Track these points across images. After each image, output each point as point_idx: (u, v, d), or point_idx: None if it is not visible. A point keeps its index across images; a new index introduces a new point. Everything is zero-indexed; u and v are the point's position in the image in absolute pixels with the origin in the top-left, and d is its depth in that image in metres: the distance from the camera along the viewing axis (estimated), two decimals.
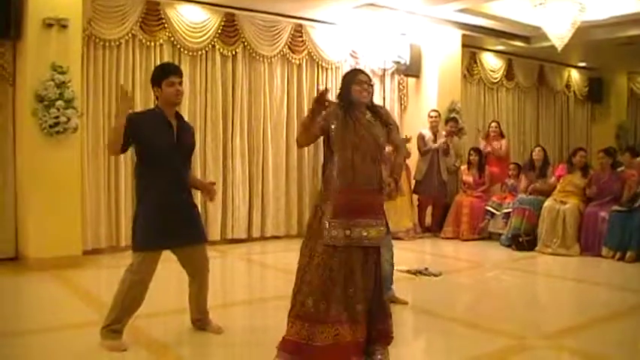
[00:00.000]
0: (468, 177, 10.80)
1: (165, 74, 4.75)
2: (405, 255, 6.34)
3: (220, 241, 9.41)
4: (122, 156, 8.63)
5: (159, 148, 4.69)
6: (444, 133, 10.79)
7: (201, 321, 5.12)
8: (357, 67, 10.84)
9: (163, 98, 4.75)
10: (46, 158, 7.47)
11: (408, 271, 7.49)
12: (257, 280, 8.20)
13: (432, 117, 10.75)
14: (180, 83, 4.79)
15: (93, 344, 4.69)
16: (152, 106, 8.76)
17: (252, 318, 5.83)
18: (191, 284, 5.08)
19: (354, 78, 4.55)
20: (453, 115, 11.21)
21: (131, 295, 4.70)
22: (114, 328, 4.70)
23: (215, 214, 9.50)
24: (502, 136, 11.46)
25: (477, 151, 10.95)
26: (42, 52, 7.43)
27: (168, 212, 4.69)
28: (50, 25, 7.43)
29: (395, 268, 6.20)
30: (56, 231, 7.52)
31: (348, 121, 4.41)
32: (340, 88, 4.62)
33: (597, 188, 9.39)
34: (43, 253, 7.44)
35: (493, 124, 11.54)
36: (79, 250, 7.87)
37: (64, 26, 7.50)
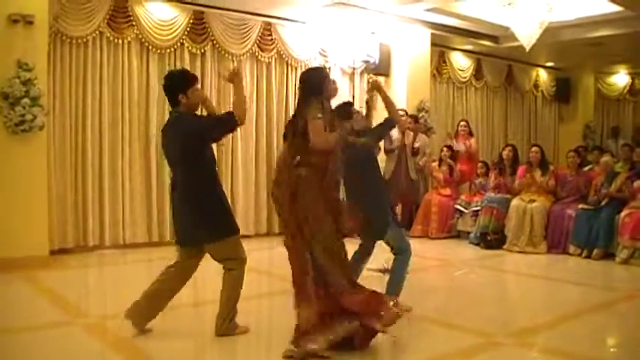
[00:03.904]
0: (438, 173, 10.83)
1: (190, 82, 4.92)
2: (373, 253, 6.32)
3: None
4: (89, 154, 8.59)
5: (207, 149, 4.96)
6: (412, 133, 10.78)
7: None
8: (327, 65, 10.91)
9: (189, 105, 4.90)
10: (12, 157, 7.36)
11: (377, 270, 7.47)
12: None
13: None
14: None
15: (59, 344, 4.63)
16: (119, 103, 8.83)
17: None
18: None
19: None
20: (414, 113, 11.19)
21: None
22: (233, 318, 5.00)
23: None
24: (471, 134, 11.51)
25: (450, 148, 10.98)
26: (7, 49, 7.32)
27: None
28: (16, 21, 7.32)
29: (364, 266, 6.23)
30: (22, 231, 7.42)
31: None
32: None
33: (562, 187, 9.52)
34: (9, 253, 7.30)
35: (462, 123, 11.59)
36: (45, 250, 7.76)
37: (30, 22, 7.39)
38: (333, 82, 4.87)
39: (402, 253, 5.83)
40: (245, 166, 10.11)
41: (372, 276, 6.41)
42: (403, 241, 5.90)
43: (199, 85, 5.00)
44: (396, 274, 5.81)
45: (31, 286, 6.82)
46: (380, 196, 5.70)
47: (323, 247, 4.63)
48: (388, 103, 5.80)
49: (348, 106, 6.22)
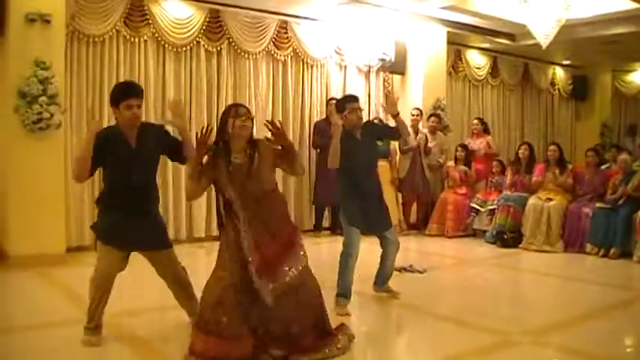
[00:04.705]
0: (454, 173, 10.79)
1: (123, 96, 4.64)
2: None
3: (205, 238, 9.36)
4: None
5: (114, 165, 4.70)
6: (425, 130, 10.79)
7: (192, 317, 5.07)
8: (343, 63, 10.92)
9: (121, 120, 4.70)
10: (29, 155, 7.41)
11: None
12: None
13: (412, 115, 10.65)
14: (139, 106, 4.68)
15: (75, 342, 4.65)
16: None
17: None
18: (169, 287, 5.04)
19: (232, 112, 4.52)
20: (437, 111, 11.21)
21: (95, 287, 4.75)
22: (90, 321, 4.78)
23: (199, 211, 9.46)
24: (486, 132, 11.41)
25: (464, 147, 10.95)
26: (24, 48, 7.37)
27: (125, 220, 4.71)
28: (33, 21, 7.36)
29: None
30: (39, 228, 7.47)
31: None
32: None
33: (579, 186, 9.48)
34: (26, 250, 7.37)
35: (474, 122, 11.54)
36: (62, 248, 7.82)
37: (47, 21, 7.44)
38: (236, 121, 4.44)
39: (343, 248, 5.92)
40: None
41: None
42: (346, 238, 5.91)
43: (134, 102, 4.62)
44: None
45: (48, 283, 6.88)
46: (342, 189, 5.94)
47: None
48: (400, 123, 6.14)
49: (342, 99, 6.32)
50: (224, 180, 4.41)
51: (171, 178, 9.21)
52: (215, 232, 9.34)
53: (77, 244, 8.43)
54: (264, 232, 4.42)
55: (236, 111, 4.49)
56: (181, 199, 9.10)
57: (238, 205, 4.39)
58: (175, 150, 4.90)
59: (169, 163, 8.38)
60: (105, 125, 5.91)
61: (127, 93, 4.67)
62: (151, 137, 4.83)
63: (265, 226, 4.43)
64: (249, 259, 4.28)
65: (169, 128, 5.13)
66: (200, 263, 7.81)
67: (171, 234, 7.43)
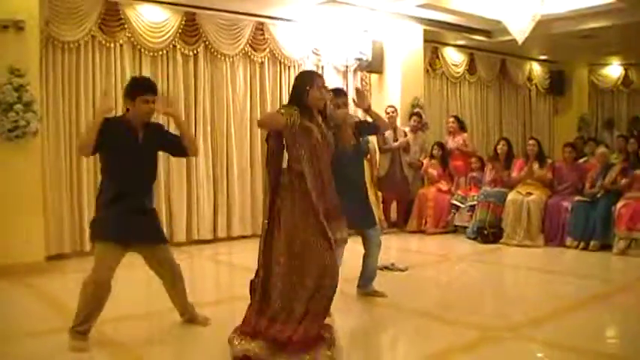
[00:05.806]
0: (432, 170, 10.81)
1: (141, 90, 4.81)
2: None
3: (185, 243, 9.33)
4: (84, 159, 8.56)
5: (119, 157, 4.77)
6: (407, 129, 10.81)
7: (184, 315, 5.28)
8: (320, 64, 10.90)
9: (134, 113, 4.81)
10: (6, 163, 7.34)
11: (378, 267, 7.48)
12: (225, 280, 8.16)
13: (388, 113, 10.58)
14: (154, 101, 4.84)
15: (57, 351, 4.62)
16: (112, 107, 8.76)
17: (221, 318, 5.76)
18: (164, 284, 5.14)
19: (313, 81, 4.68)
20: (416, 110, 11.23)
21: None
22: (78, 326, 4.75)
23: (180, 215, 9.43)
24: (462, 130, 11.39)
25: (441, 145, 10.98)
26: None
27: (125, 213, 4.75)
28: (6, 27, 7.27)
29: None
30: (18, 237, 7.39)
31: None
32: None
33: (559, 180, 9.54)
34: (5, 259, 7.28)
35: (450, 119, 11.55)
36: (42, 256, 7.74)
37: (21, 28, 7.35)
38: (323, 91, 4.71)
39: None
40: (241, 166, 10.07)
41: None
42: None
43: (151, 97, 4.82)
44: None
45: (28, 292, 6.80)
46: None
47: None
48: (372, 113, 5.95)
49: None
50: (300, 138, 4.57)
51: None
52: (196, 236, 9.39)
53: (57, 252, 8.35)
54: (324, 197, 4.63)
55: (315, 81, 4.67)
56: (160, 204, 9.03)
57: (310, 162, 4.58)
58: (177, 145, 5.07)
59: None
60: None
61: (145, 88, 4.87)
62: (154, 134, 4.98)
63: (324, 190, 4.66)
64: (319, 208, 4.50)
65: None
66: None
67: None
